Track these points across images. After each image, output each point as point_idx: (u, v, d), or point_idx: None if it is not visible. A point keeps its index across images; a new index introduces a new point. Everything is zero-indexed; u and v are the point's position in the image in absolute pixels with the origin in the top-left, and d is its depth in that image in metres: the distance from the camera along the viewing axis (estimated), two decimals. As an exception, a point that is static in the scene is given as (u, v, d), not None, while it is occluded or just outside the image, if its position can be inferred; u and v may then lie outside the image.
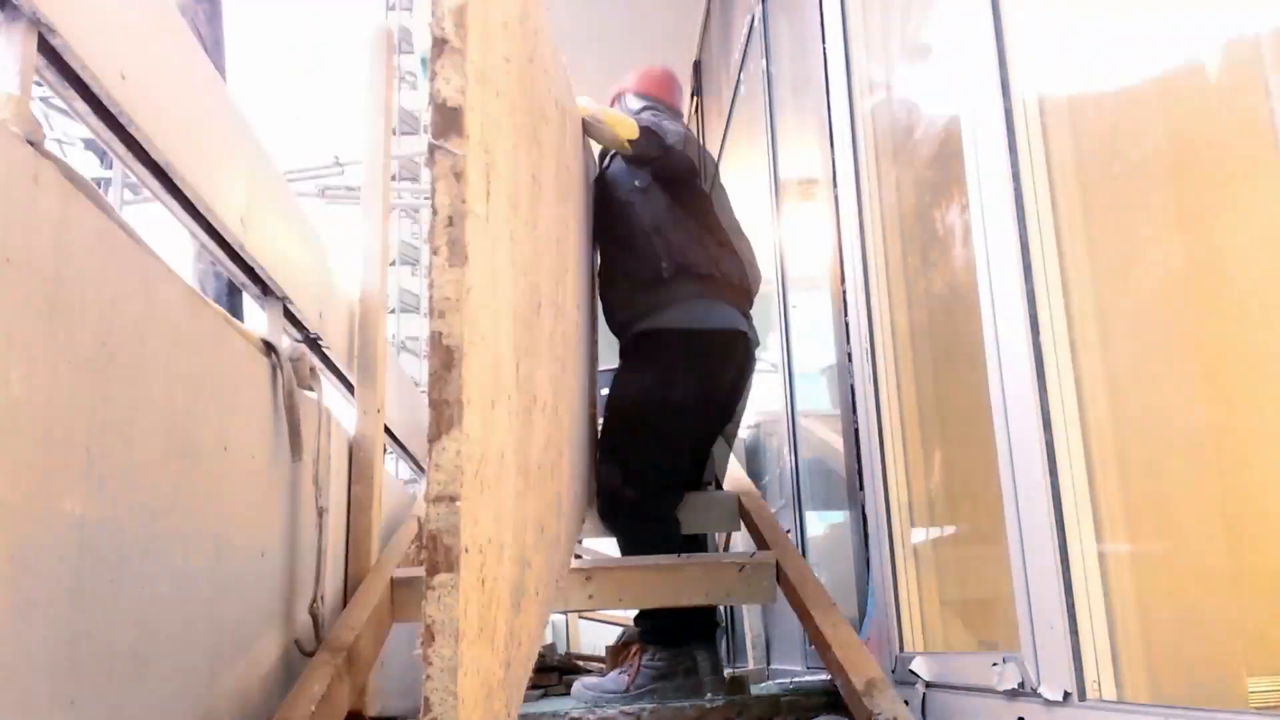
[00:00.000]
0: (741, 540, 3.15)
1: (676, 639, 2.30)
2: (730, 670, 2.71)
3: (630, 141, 2.49)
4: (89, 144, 8.42)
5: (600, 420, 2.54)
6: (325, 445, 2.04)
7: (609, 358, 2.70)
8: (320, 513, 2.00)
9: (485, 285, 0.85)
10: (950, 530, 1.82)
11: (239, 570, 1.59)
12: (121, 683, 1.15)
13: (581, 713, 2.06)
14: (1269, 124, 0.94)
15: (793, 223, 3.08)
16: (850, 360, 2.13)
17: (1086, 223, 1.30)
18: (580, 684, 2.41)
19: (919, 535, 1.90)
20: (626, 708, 2.05)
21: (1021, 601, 1.33)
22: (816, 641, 1.78)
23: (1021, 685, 1.33)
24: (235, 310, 2.47)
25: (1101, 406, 1.26)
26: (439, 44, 0.79)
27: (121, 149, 1.32)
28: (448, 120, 0.79)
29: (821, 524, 2.74)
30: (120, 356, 1.15)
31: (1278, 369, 0.96)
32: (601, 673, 2.47)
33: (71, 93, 1.17)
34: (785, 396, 3.10)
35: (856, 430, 2.08)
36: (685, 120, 3.00)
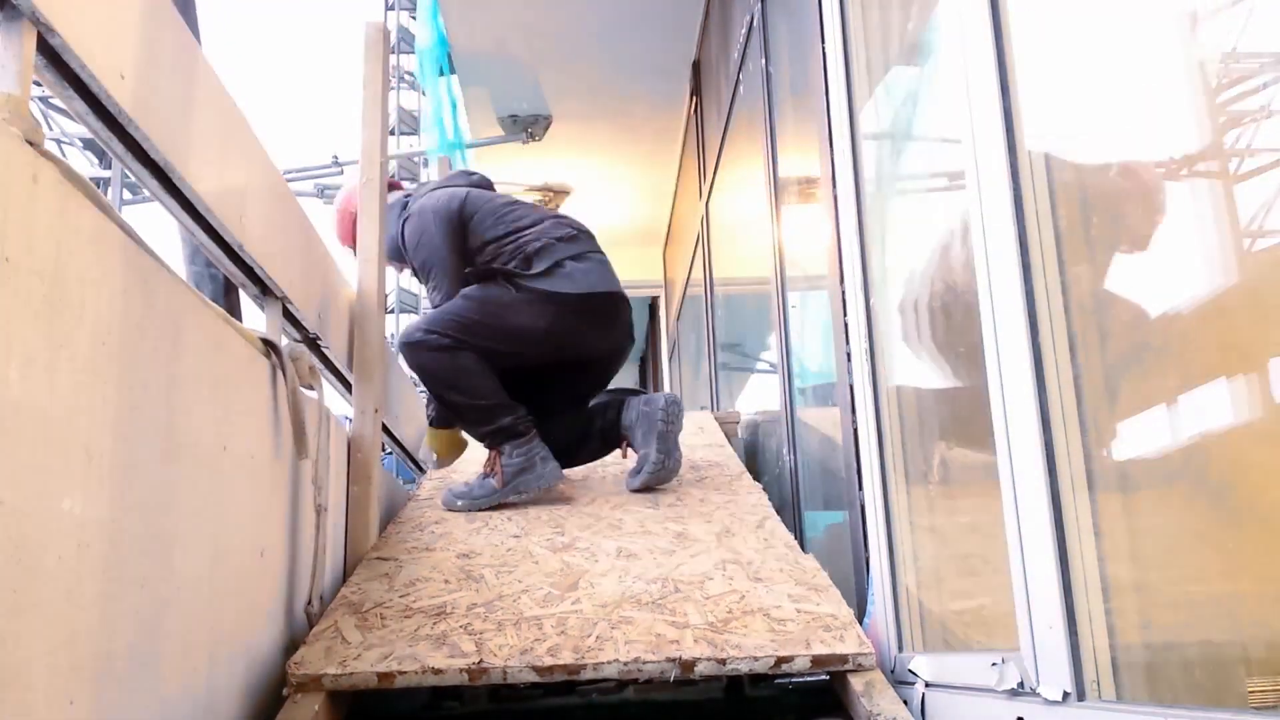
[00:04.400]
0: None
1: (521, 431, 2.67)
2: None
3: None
4: (88, 144, 8.42)
5: None
6: (325, 444, 2.04)
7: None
8: (319, 512, 2.00)
9: None
10: (950, 529, 1.82)
11: (239, 570, 1.59)
12: (121, 683, 1.15)
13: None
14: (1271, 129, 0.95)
15: (792, 223, 3.08)
16: (850, 360, 2.13)
17: (1086, 221, 1.30)
18: (449, 492, 2.68)
19: (918, 534, 1.90)
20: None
21: (1021, 601, 1.33)
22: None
23: (1021, 685, 1.33)
24: (232, 312, 2.47)
25: (1101, 406, 1.26)
26: None
27: (120, 149, 1.32)
28: None
29: (821, 524, 2.74)
30: (120, 356, 1.15)
31: (1276, 367, 0.96)
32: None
33: (70, 92, 1.17)
34: (784, 396, 3.11)
35: (856, 430, 2.09)
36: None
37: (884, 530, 1.96)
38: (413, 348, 2.68)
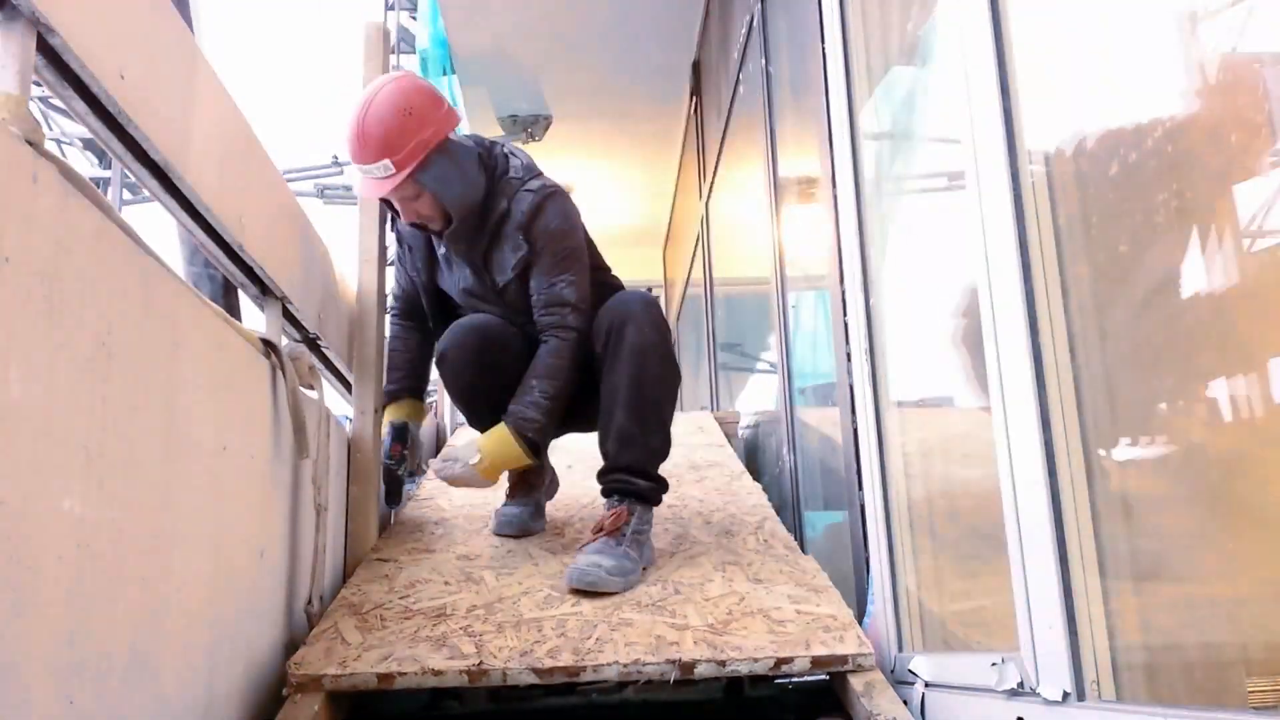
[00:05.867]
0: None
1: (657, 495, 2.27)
2: None
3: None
4: (88, 144, 8.42)
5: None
6: (325, 444, 2.04)
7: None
8: (319, 512, 2.00)
9: None
10: (950, 529, 1.82)
11: (238, 570, 1.59)
12: (121, 683, 1.15)
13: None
14: (1268, 125, 0.95)
15: (792, 222, 3.08)
16: (850, 360, 2.13)
17: (1086, 222, 1.30)
18: (585, 561, 2.08)
19: (918, 535, 1.90)
20: None
21: (1020, 601, 1.33)
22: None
23: (1020, 685, 1.33)
24: (232, 312, 2.47)
25: (1101, 405, 1.26)
26: None
27: (120, 149, 1.32)
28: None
29: (821, 524, 2.74)
30: (120, 356, 1.15)
31: (1277, 368, 0.96)
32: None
33: (70, 92, 1.17)
34: (784, 396, 3.11)
35: (856, 430, 2.08)
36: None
37: (884, 530, 1.96)
38: (665, 336, 2.29)
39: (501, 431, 2.23)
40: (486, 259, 2.34)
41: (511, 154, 2.39)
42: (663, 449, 2.29)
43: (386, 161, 2.13)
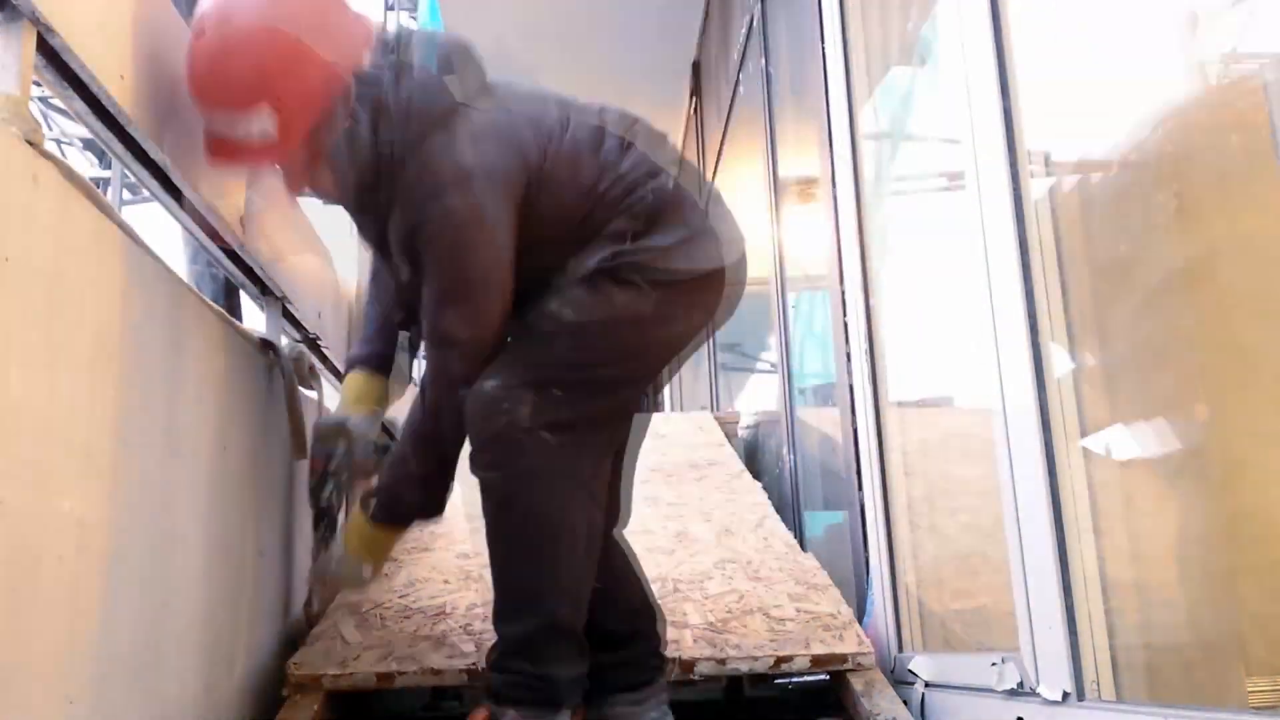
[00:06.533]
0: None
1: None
2: None
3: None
4: (88, 144, 8.41)
5: None
6: (324, 445, 2.03)
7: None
8: (319, 512, 2.00)
9: None
10: (949, 530, 1.82)
11: (239, 570, 1.59)
12: (121, 682, 1.15)
13: None
14: (1267, 126, 0.95)
15: (792, 223, 3.08)
16: (850, 360, 2.13)
17: (1085, 222, 1.30)
18: None
19: (918, 535, 1.90)
20: None
21: (1020, 601, 1.33)
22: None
23: (1020, 685, 1.33)
24: (232, 312, 2.47)
25: (1100, 406, 1.26)
26: None
27: (120, 149, 1.32)
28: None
29: (821, 524, 2.74)
30: (120, 356, 1.15)
31: (1276, 368, 0.96)
32: None
33: (70, 93, 1.17)
34: (784, 396, 3.11)
35: (856, 430, 2.08)
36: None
37: (884, 530, 1.96)
38: (507, 440, 1.50)
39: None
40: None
41: None
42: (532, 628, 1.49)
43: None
